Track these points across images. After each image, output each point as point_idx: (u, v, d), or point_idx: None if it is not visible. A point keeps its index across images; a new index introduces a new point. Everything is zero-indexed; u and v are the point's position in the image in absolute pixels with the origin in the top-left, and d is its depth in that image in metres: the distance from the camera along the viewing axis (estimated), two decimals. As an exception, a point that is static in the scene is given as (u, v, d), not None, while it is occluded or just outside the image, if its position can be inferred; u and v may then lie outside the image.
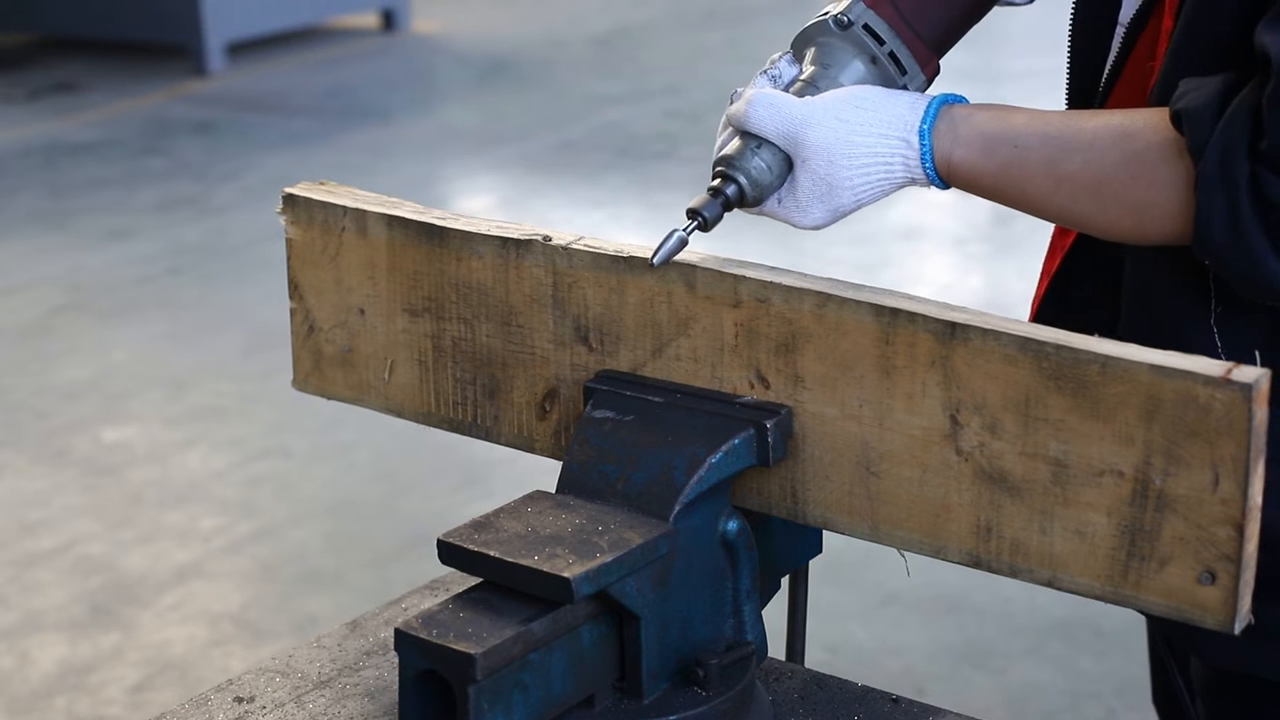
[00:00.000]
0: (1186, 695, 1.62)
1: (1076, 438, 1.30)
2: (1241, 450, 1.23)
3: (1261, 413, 1.23)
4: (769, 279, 1.44)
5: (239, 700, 1.54)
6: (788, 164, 1.50)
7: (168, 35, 10.06)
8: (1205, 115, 1.35)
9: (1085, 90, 1.62)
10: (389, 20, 11.06)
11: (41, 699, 3.63)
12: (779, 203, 1.52)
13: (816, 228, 1.52)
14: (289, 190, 1.72)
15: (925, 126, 1.47)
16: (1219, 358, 1.45)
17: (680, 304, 1.49)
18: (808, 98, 1.50)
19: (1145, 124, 1.42)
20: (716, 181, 1.51)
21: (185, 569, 4.18)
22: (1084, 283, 1.64)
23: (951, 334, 1.34)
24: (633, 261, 1.50)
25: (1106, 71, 1.57)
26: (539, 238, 1.56)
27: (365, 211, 1.67)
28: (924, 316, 1.36)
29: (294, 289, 1.74)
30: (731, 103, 1.53)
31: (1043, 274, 1.70)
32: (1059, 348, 1.30)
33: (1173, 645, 1.64)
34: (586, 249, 1.53)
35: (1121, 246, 1.53)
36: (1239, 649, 1.43)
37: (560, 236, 1.56)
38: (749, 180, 1.50)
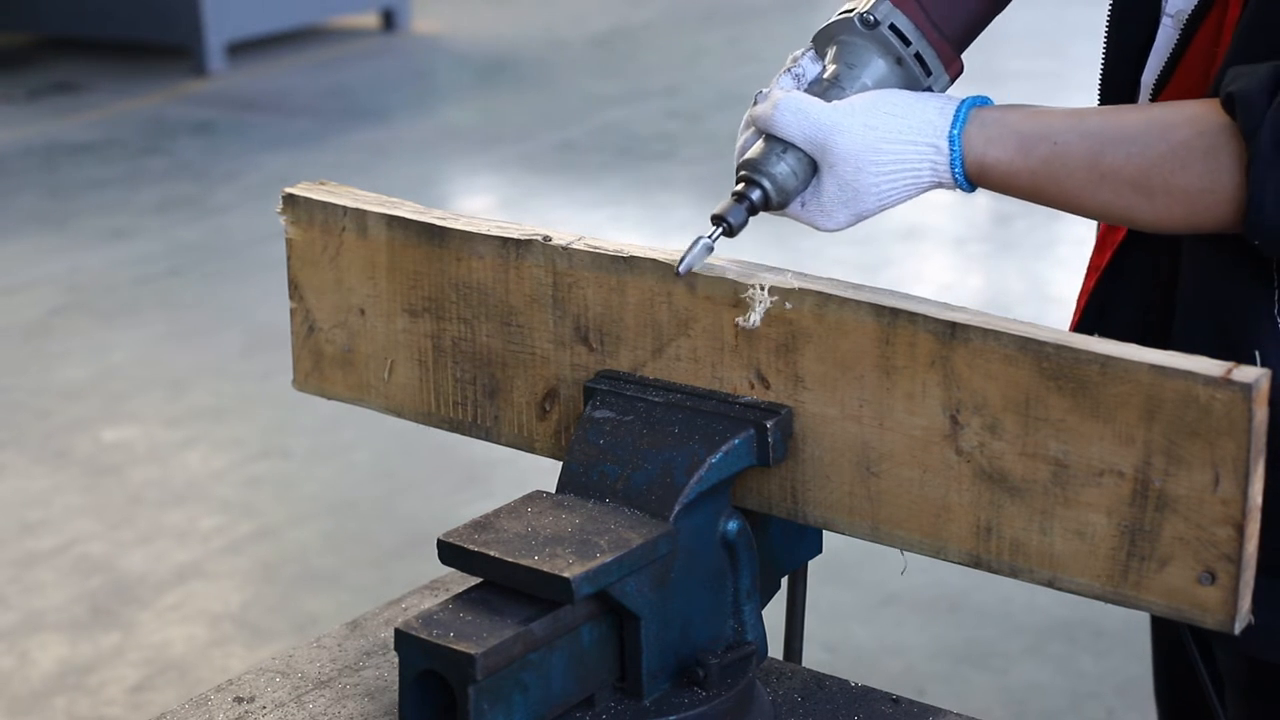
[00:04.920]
0: (1211, 687, 1.60)
1: (1076, 438, 1.30)
2: (1241, 450, 1.23)
3: (1261, 413, 1.22)
4: (769, 279, 1.44)
5: (239, 700, 1.54)
6: (813, 168, 1.48)
7: (168, 35, 10.06)
8: (1259, 97, 1.34)
9: (1123, 81, 1.60)
10: (389, 20, 11.06)
11: (41, 699, 3.63)
12: (802, 206, 1.50)
13: (838, 230, 1.51)
14: (289, 190, 1.72)
15: (955, 131, 1.45)
16: None
17: (680, 304, 1.48)
18: (835, 102, 1.48)
19: (1189, 114, 1.41)
20: (741, 186, 1.48)
21: (185, 569, 4.18)
22: (1137, 274, 1.61)
23: (951, 334, 1.34)
24: (633, 261, 1.50)
25: (1163, 62, 1.55)
26: (539, 238, 1.56)
27: (365, 211, 1.67)
28: (924, 316, 1.36)
29: (294, 289, 1.74)
30: (756, 103, 1.50)
31: (1090, 269, 1.67)
32: (1059, 348, 1.30)
33: (1198, 635, 1.62)
34: (586, 249, 1.53)
35: (1177, 236, 1.52)
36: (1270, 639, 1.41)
37: (560, 236, 1.56)
38: (774, 185, 1.47)
